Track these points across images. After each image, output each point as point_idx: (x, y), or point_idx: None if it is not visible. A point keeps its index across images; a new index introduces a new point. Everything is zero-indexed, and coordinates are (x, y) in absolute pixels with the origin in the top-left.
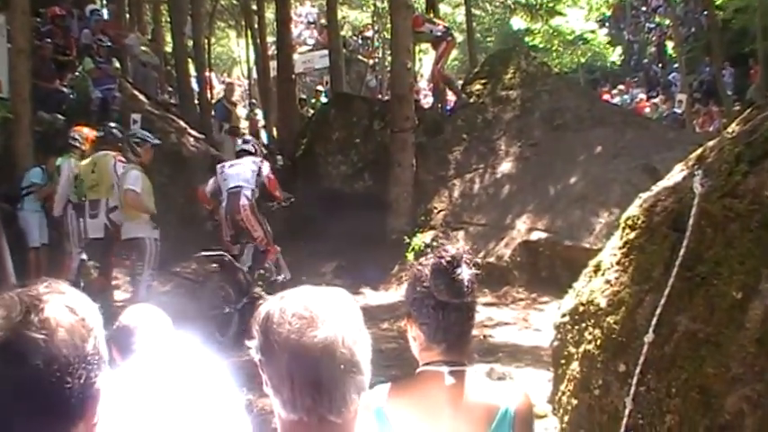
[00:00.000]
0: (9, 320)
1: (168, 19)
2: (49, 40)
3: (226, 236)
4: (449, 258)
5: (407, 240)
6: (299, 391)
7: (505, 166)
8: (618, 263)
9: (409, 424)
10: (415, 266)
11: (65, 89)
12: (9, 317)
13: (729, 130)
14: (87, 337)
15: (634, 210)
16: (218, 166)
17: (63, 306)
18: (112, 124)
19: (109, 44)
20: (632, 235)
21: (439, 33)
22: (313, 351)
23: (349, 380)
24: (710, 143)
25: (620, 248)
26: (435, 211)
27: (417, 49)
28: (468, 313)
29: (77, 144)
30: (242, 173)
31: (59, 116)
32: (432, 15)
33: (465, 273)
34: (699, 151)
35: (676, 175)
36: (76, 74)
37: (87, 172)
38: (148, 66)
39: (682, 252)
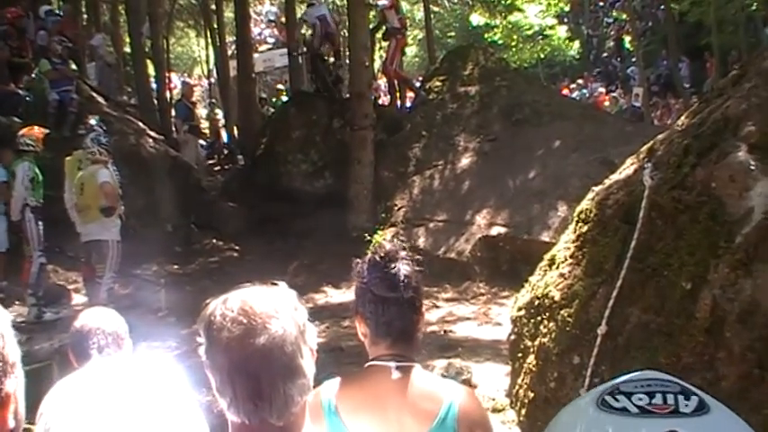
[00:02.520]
0: None
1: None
2: (3, 41)
3: None
4: (382, 254)
5: (368, 238)
6: (241, 396)
7: (465, 162)
8: (571, 256)
9: (358, 417)
10: (358, 263)
11: (21, 91)
12: None
13: (679, 122)
14: None
15: (587, 203)
16: None
17: None
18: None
19: (69, 45)
20: (585, 228)
21: (397, 25)
22: (252, 358)
23: (290, 384)
24: (660, 136)
25: (573, 242)
26: (396, 207)
27: (378, 46)
28: (409, 308)
29: (31, 147)
30: None
31: (16, 119)
32: None
33: (401, 268)
34: (649, 144)
35: (628, 168)
36: (33, 76)
37: (77, 192)
38: (113, 66)
39: (633, 244)
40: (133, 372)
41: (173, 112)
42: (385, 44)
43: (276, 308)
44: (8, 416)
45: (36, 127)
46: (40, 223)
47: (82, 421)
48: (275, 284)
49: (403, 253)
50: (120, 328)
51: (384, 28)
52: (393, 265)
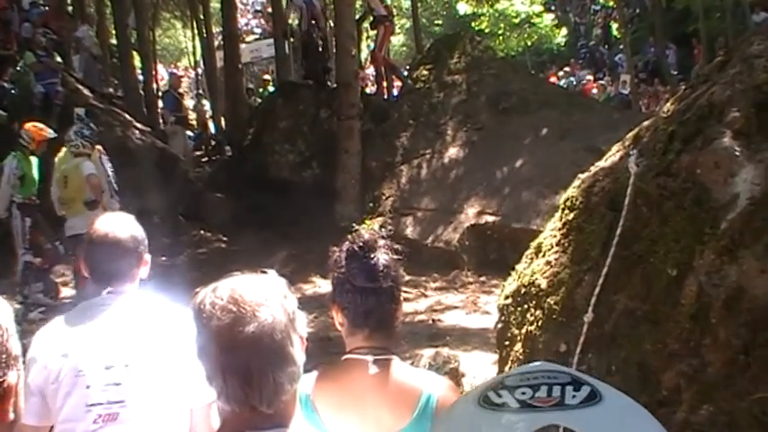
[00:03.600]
0: None
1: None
2: None
3: None
4: (361, 243)
5: (356, 227)
6: (231, 384)
7: (452, 151)
8: (558, 243)
9: (335, 412)
10: (335, 252)
11: (5, 84)
12: None
13: (664, 109)
14: None
15: (573, 190)
16: None
17: None
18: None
19: (53, 37)
20: (571, 215)
21: (383, 12)
22: (242, 346)
23: (280, 372)
24: (646, 123)
25: (559, 229)
26: (384, 197)
27: (365, 35)
28: (387, 298)
29: (24, 143)
30: None
31: (1, 111)
32: None
33: (380, 257)
34: (634, 131)
35: (614, 155)
36: (18, 68)
37: (60, 185)
38: (98, 58)
39: (618, 231)
40: (141, 311)
41: (160, 104)
42: (372, 33)
43: (266, 296)
44: (9, 408)
45: (42, 126)
46: (28, 220)
47: (84, 359)
48: (264, 273)
49: (381, 242)
50: (141, 245)
51: (372, 17)
52: (372, 255)
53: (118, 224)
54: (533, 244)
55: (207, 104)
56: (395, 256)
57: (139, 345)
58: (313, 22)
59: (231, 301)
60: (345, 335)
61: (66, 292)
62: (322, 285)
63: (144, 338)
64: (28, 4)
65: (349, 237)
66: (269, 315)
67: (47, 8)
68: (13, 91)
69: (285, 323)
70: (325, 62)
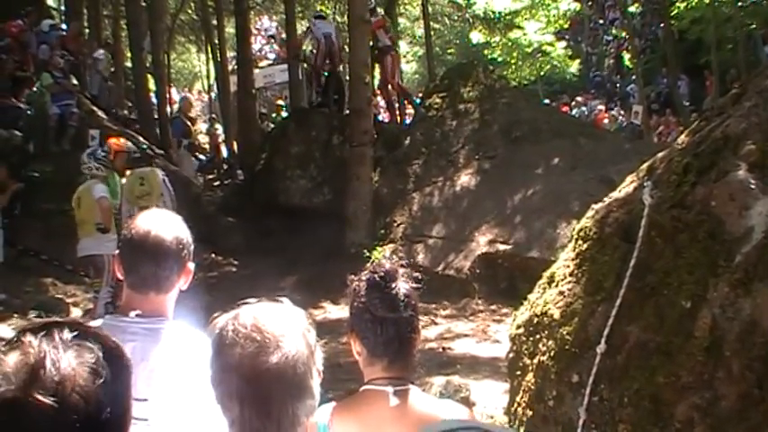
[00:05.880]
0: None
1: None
2: (5, 55)
3: None
4: (382, 273)
5: (367, 254)
6: (249, 414)
7: (464, 179)
8: (571, 274)
9: None
10: (354, 281)
11: (22, 105)
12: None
13: (679, 141)
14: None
15: (586, 221)
16: None
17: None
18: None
19: (71, 59)
20: (584, 246)
21: (388, 42)
22: (265, 376)
23: (299, 404)
24: (660, 154)
25: (572, 260)
26: (395, 224)
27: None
28: (407, 327)
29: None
30: None
31: (16, 132)
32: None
33: (401, 287)
34: (649, 163)
35: (627, 186)
36: (34, 89)
37: (134, 185)
38: (110, 80)
39: (632, 263)
40: (171, 350)
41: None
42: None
43: (289, 326)
44: None
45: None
46: None
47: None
48: (279, 300)
49: (402, 271)
50: (185, 249)
51: (377, 48)
52: (393, 285)
53: (162, 223)
54: (546, 274)
55: (220, 128)
56: (414, 285)
57: (164, 382)
58: (327, 61)
59: (255, 329)
60: (363, 364)
61: (77, 312)
62: (332, 311)
63: (170, 377)
64: (47, 27)
65: (369, 266)
66: (293, 346)
67: (66, 31)
68: (29, 112)
69: (307, 355)
70: (341, 92)
